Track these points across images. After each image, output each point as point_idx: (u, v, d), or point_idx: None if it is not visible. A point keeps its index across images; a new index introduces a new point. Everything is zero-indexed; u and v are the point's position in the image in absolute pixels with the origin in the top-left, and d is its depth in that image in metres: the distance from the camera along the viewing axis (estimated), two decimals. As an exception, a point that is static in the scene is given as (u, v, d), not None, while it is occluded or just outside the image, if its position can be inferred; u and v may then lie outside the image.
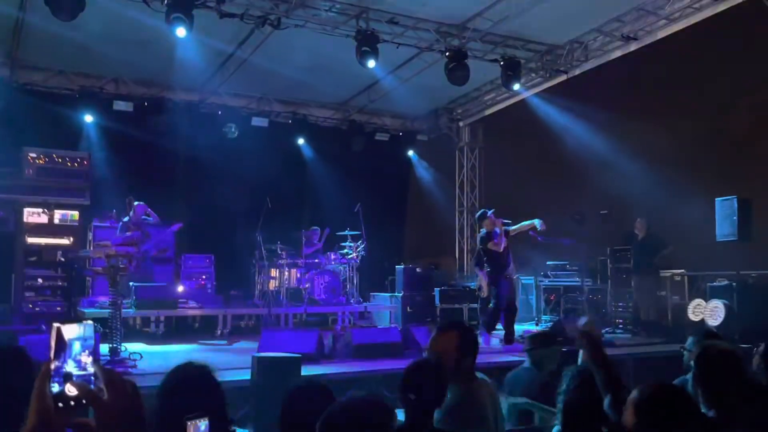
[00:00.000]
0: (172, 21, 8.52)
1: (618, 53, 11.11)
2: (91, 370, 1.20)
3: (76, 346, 1.21)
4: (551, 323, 10.64)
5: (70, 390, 1.18)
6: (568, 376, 3.14)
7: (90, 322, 1.32)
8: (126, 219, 7.77)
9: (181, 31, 8.62)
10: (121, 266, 7.22)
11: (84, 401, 1.19)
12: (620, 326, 11.07)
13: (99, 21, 9.01)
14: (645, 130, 11.21)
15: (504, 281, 9.21)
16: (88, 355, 1.19)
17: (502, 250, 9.18)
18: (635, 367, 7.68)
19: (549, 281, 12.57)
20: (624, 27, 10.59)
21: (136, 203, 10.42)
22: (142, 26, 9.24)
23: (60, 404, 1.19)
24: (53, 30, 9.13)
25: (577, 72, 11.75)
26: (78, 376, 1.16)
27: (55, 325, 1.22)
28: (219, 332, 10.40)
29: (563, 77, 11.88)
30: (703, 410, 2.74)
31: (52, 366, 1.18)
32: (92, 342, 1.29)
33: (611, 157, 11.22)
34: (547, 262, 12.64)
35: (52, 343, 1.26)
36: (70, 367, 1.18)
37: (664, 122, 11.24)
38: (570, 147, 11.84)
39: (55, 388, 1.19)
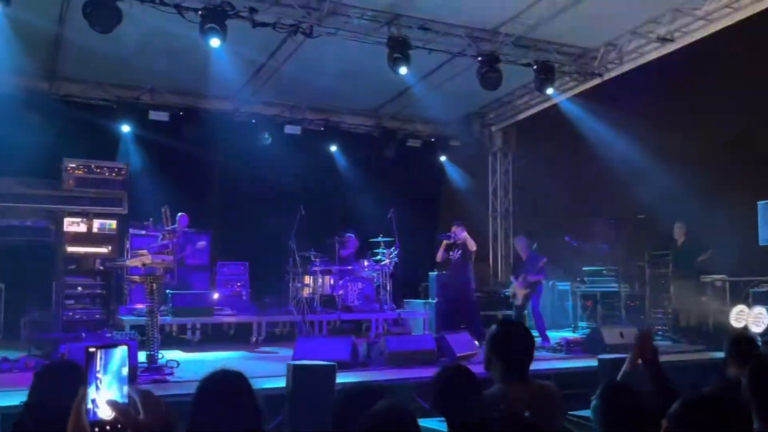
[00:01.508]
0: (206, 32, 8.63)
1: (654, 55, 10.93)
2: (126, 392, 1.21)
3: (112, 370, 1.21)
4: (589, 330, 10.48)
5: (107, 413, 1.18)
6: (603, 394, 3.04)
7: (125, 346, 1.32)
8: (168, 228, 7.89)
9: (215, 42, 8.73)
10: (157, 274, 7.32)
11: (120, 425, 1.20)
12: (659, 333, 10.86)
13: (135, 33, 9.14)
14: (682, 132, 11.00)
15: None
16: (123, 379, 1.20)
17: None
18: (676, 375, 7.48)
19: (585, 287, 12.38)
20: (660, 28, 10.41)
21: (179, 214, 10.70)
22: (177, 37, 9.37)
23: (96, 429, 1.19)
24: (91, 43, 9.30)
25: (612, 75, 11.59)
26: (113, 400, 1.16)
27: (91, 349, 1.23)
28: (254, 339, 10.48)
29: (597, 80, 11.73)
30: (756, 426, 2.61)
31: (89, 390, 1.19)
32: (127, 365, 1.28)
33: (647, 160, 11.03)
34: (583, 268, 12.46)
35: (88, 368, 1.27)
36: (105, 390, 1.18)
37: (702, 124, 11.01)
38: (604, 151, 11.65)
39: (92, 411, 1.19)
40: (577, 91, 12.32)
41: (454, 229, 10.36)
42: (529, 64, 10.96)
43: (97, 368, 1.22)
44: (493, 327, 3.42)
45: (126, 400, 1.25)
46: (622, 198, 11.74)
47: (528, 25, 10.26)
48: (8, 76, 10.72)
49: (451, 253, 10.33)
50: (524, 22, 10.20)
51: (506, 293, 11.98)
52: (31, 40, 9.53)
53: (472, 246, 10.33)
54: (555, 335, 10.36)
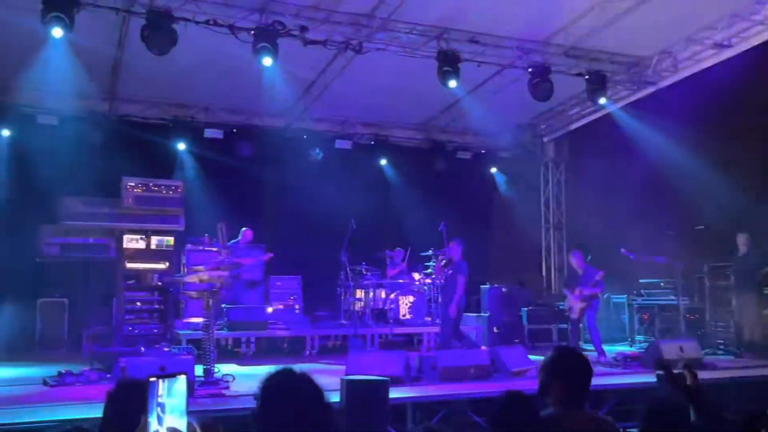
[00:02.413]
0: (258, 51, 8.83)
1: (710, 62, 10.66)
2: (185, 420, 1.24)
3: (172, 398, 1.25)
4: (646, 344, 10.23)
5: None
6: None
7: (184, 375, 1.35)
8: (224, 244, 8.02)
9: (267, 61, 8.91)
10: (214, 290, 7.46)
11: None
12: (721, 348, 10.51)
13: (190, 53, 9.37)
14: (741, 140, 10.68)
15: None
16: (183, 407, 1.23)
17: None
18: (739, 392, 7.23)
19: (642, 300, 12.08)
20: (716, 34, 10.16)
21: (243, 229, 11.15)
22: (230, 57, 9.58)
23: None
24: (148, 64, 9.60)
25: (667, 83, 11.35)
26: (173, 428, 1.20)
27: (151, 379, 1.26)
28: (307, 352, 10.57)
29: (651, 89, 11.51)
30: None
31: (149, 418, 1.23)
32: (185, 394, 1.32)
33: (705, 169, 10.71)
34: (640, 280, 12.17)
35: (149, 396, 1.30)
36: (166, 418, 1.22)
37: (763, 131, 10.65)
38: (660, 160, 11.37)
39: None
40: (630, 100, 12.11)
41: (450, 245, 10.31)
42: (580, 74, 10.84)
43: (158, 396, 1.25)
44: (551, 352, 3.39)
45: (186, 428, 1.28)
46: (679, 209, 11.43)
47: (579, 35, 10.15)
48: (71, 100, 11.18)
49: (445, 270, 10.34)
50: (575, 32, 10.10)
51: (561, 306, 11.80)
52: (92, 64, 9.90)
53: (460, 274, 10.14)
54: (611, 349, 10.14)
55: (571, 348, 3.47)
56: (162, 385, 1.27)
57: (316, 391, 2.34)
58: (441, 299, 10.62)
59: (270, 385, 2.30)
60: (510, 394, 3.06)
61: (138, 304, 9.15)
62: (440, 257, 10.54)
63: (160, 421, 1.22)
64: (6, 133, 11.35)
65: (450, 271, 10.16)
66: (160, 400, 1.24)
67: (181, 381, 1.27)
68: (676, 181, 11.25)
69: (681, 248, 10.78)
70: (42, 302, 10.84)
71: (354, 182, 12.91)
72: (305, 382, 2.35)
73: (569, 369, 3.24)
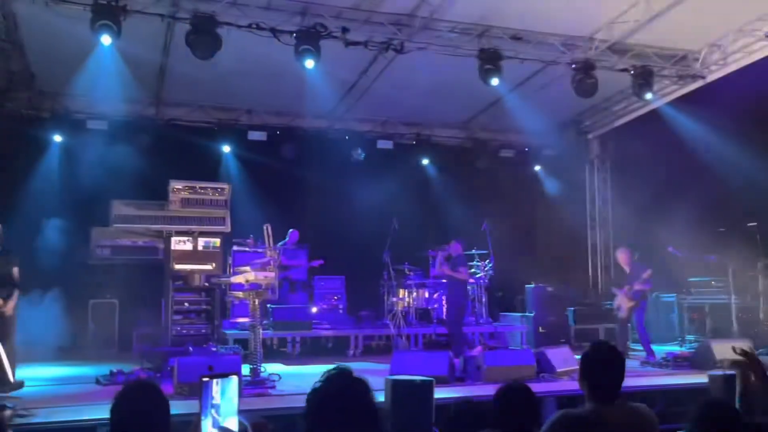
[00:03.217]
0: (300, 53, 8.91)
1: (762, 54, 10.35)
2: (236, 419, 1.26)
3: (223, 399, 1.27)
4: (697, 344, 9.99)
5: None
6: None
7: (235, 376, 1.37)
8: (270, 246, 8.13)
9: (309, 63, 8.98)
10: (260, 290, 7.56)
11: None
12: (775, 347, 10.19)
13: (233, 57, 9.51)
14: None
15: None
16: (234, 407, 1.25)
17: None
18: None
19: (692, 299, 11.80)
20: (767, 26, 9.86)
21: (290, 230, 11.39)
22: (272, 60, 9.71)
23: None
24: (193, 69, 9.77)
25: (716, 77, 11.05)
26: (224, 428, 1.22)
27: (204, 379, 1.29)
28: (351, 352, 10.64)
29: (700, 83, 11.22)
30: None
31: (203, 418, 1.25)
32: (237, 394, 1.34)
33: (756, 166, 10.40)
34: (689, 279, 11.88)
35: (202, 397, 1.33)
36: (218, 418, 1.24)
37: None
38: (709, 156, 11.08)
39: None
40: (677, 94, 11.83)
41: (452, 243, 10.40)
42: (626, 70, 10.65)
43: (211, 397, 1.27)
44: (586, 349, 3.45)
45: (237, 427, 1.30)
46: (730, 206, 11.13)
47: (624, 29, 9.95)
48: (120, 104, 11.47)
49: (444, 266, 10.45)
50: (620, 27, 9.90)
51: (608, 306, 11.60)
52: (139, 69, 10.14)
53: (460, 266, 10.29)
54: (660, 349, 9.93)
55: (605, 343, 3.47)
56: (214, 386, 1.29)
57: (369, 393, 2.36)
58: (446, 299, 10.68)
59: (327, 383, 2.31)
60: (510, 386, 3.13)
61: (186, 304, 9.30)
62: (435, 256, 10.59)
63: (215, 423, 1.24)
64: (58, 138, 11.68)
65: (448, 267, 10.18)
66: (214, 402, 1.26)
67: (233, 381, 1.29)
68: (726, 177, 10.95)
69: (732, 246, 10.49)
70: (94, 303, 11.16)
71: (396, 182, 12.93)
72: (361, 382, 2.36)
73: (600, 364, 3.29)
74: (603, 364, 3.30)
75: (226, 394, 1.25)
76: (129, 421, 2.54)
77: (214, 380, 1.26)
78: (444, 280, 11.20)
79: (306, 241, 12.07)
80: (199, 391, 1.28)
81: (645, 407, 3.33)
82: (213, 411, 1.23)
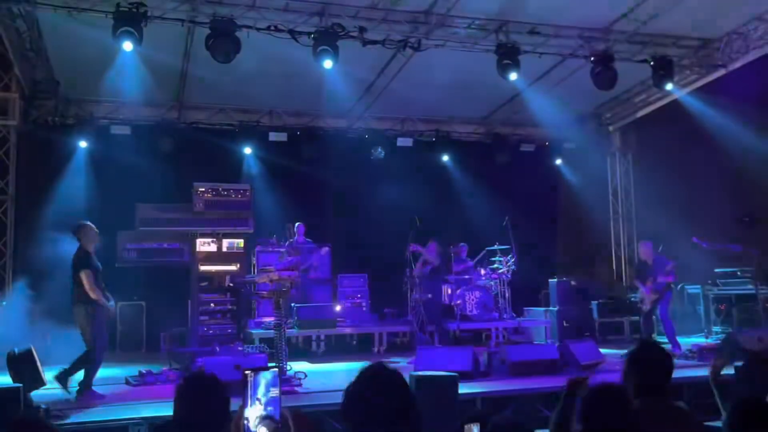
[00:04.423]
0: (319, 54, 8.97)
1: (784, 41, 10.23)
2: (278, 410, 1.32)
3: (266, 391, 1.33)
4: (723, 336, 9.91)
5: (262, 430, 1.30)
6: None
7: (275, 369, 1.44)
8: (289, 242, 8.24)
9: (328, 63, 9.04)
10: (283, 290, 7.65)
11: None
12: (804, 338, 10.07)
13: (252, 59, 9.62)
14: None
15: None
16: (276, 398, 1.31)
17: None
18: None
19: (718, 290, 11.68)
20: (789, 12, 9.75)
21: (297, 224, 11.24)
22: (291, 61, 9.78)
23: None
24: (213, 72, 9.90)
25: (737, 65, 10.92)
26: (266, 417, 1.28)
27: (247, 372, 1.35)
28: (376, 349, 10.70)
29: (721, 72, 11.11)
30: None
31: (246, 410, 1.31)
32: (277, 386, 1.40)
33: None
34: (715, 270, 11.77)
35: (245, 389, 1.39)
36: (260, 409, 1.30)
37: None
38: (732, 145, 10.96)
39: (248, 428, 1.31)
40: (698, 84, 11.71)
41: (429, 244, 10.52)
42: (645, 61, 10.57)
43: (254, 389, 1.34)
44: (634, 345, 3.49)
45: (279, 417, 1.36)
46: (755, 195, 11.01)
47: (642, 19, 9.89)
48: (142, 109, 11.65)
49: (424, 269, 10.58)
50: (638, 17, 9.85)
51: (633, 298, 11.54)
52: (160, 74, 10.29)
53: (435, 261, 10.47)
54: (686, 341, 9.87)
55: (653, 341, 3.50)
56: (258, 379, 1.36)
57: (406, 386, 2.41)
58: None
59: (364, 378, 2.33)
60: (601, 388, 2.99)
61: (212, 305, 9.45)
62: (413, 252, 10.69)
63: (254, 410, 1.31)
64: (83, 144, 11.88)
65: (428, 267, 10.39)
66: (258, 396, 1.33)
67: (272, 373, 1.37)
68: (749, 166, 10.83)
69: (757, 235, 10.38)
70: (122, 306, 11.32)
71: (416, 179, 12.97)
72: (397, 375, 2.41)
73: (649, 361, 3.31)
74: (655, 361, 3.34)
75: (267, 385, 1.32)
76: (193, 413, 2.61)
77: (257, 373, 1.34)
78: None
79: (327, 240, 12.14)
80: (242, 384, 1.36)
81: (687, 408, 3.35)
82: (257, 402, 1.30)
